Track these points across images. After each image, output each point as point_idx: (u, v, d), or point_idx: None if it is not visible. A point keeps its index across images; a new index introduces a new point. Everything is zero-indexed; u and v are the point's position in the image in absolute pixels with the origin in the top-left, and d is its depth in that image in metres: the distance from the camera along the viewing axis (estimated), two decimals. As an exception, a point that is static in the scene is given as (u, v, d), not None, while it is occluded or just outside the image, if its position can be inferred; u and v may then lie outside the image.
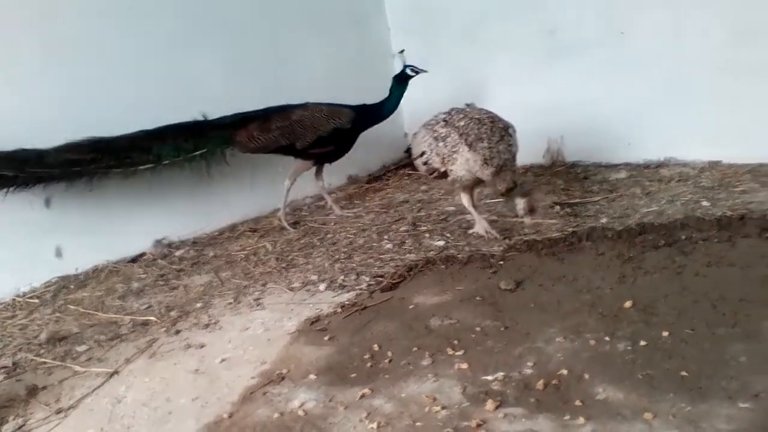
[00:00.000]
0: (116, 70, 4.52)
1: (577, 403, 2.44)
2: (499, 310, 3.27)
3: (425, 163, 4.22)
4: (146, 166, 4.44)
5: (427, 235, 4.45)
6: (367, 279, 3.89)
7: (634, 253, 3.65)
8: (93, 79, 4.42)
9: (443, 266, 3.90)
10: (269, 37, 5.43)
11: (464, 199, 4.29)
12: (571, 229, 4.09)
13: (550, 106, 5.10)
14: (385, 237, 4.51)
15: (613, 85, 5.25)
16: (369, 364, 2.93)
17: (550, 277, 3.54)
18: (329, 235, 4.72)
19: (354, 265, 4.13)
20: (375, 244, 4.41)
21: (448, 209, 4.91)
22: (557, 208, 4.49)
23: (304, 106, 4.90)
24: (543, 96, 5.49)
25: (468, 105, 4.41)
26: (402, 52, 5.34)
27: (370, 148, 6.01)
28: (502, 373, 2.70)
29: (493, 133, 3.94)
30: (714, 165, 4.92)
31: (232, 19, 5.18)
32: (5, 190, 4.09)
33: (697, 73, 4.92)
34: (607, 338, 2.84)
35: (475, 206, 4.32)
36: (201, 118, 4.70)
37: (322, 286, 3.87)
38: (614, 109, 5.31)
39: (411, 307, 3.45)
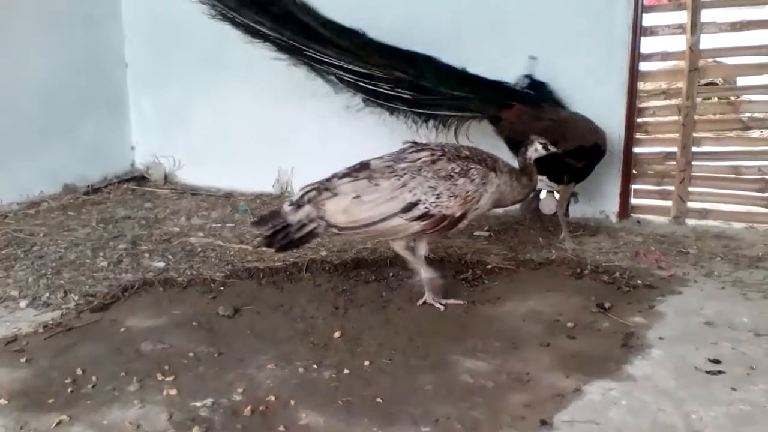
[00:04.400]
0: None
1: (281, 428, 2.56)
2: (215, 335, 3.29)
3: (422, 216, 3.38)
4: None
5: (147, 255, 4.31)
6: (76, 298, 3.65)
7: (348, 286, 3.90)
8: None
9: (161, 288, 3.82)
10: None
11: (423, 250, 3.67)
12: (292, 260, 4.25)
13: (283, 138, 5.26)
14: (101, 254, 4.27)
15: (341, 126, 5.51)
16: (70, 389, 2.78)
17: (269, 305, 3.65)
18: (36, 247, 4.34)
19: (62, 281, 3.85)
20: (88, 261, 4.16)
21: (173, 230, 4.80)
22: (281, 237, 4.64)
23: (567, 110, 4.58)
24: (278, 128, 5.64)
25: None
26: None
27: (92, 158, 5.67)
28: (211, 400, 2.72)
29: (483, 151, 3.66)
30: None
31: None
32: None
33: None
34: (315, 366, 3.01)
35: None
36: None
37: (23, 303, 3.58)
38: (338, 146, 5.58)
39: (122, 329, 3.33)
